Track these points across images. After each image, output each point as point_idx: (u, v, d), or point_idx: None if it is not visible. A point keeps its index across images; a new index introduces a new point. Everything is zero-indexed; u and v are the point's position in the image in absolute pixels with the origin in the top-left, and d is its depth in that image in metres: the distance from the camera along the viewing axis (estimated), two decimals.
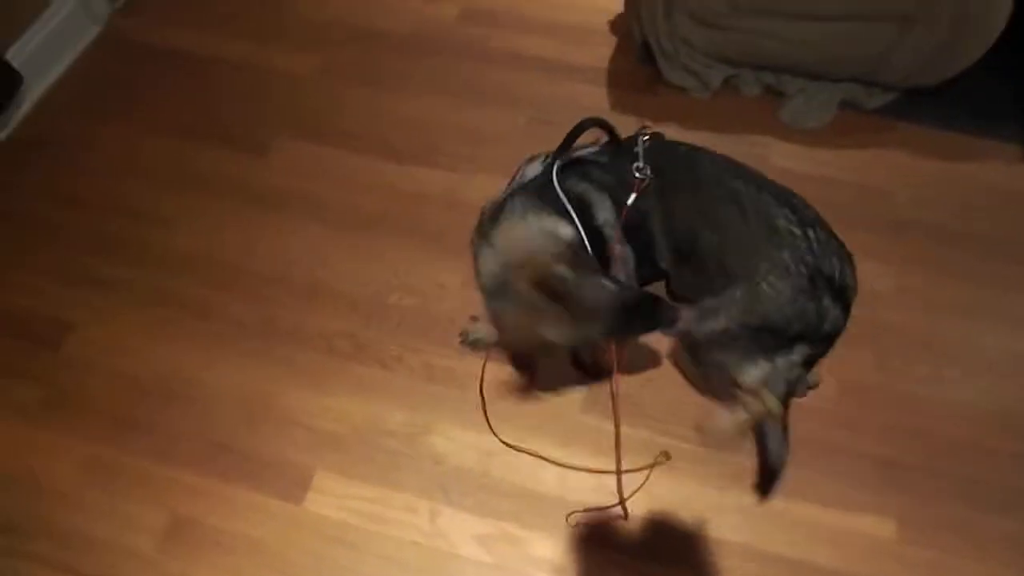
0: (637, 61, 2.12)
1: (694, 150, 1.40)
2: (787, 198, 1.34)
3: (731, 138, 1.96)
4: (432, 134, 2.03)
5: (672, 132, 1.95)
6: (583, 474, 1.51)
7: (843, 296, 1.30)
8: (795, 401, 1.52)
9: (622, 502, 1.46)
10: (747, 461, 1.51)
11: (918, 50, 1.84)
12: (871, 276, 1.73)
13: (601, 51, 2.18)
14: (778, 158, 1.94)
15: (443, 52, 2.20)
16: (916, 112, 2.00)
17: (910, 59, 1.86)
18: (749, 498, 1.48)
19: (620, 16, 2.22)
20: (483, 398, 1.60)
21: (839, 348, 1.60)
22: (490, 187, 1.86)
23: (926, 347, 1.65)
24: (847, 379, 1.61)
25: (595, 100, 2.07)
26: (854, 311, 1.33)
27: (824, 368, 1.58)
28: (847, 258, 1.33)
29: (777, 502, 1.47)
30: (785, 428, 1.43)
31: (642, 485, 1.48)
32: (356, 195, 1.93)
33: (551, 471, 1.52)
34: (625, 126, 1.44)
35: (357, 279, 1.79)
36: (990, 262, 1.78)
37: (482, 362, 1.63)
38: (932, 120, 1.99)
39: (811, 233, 1.28)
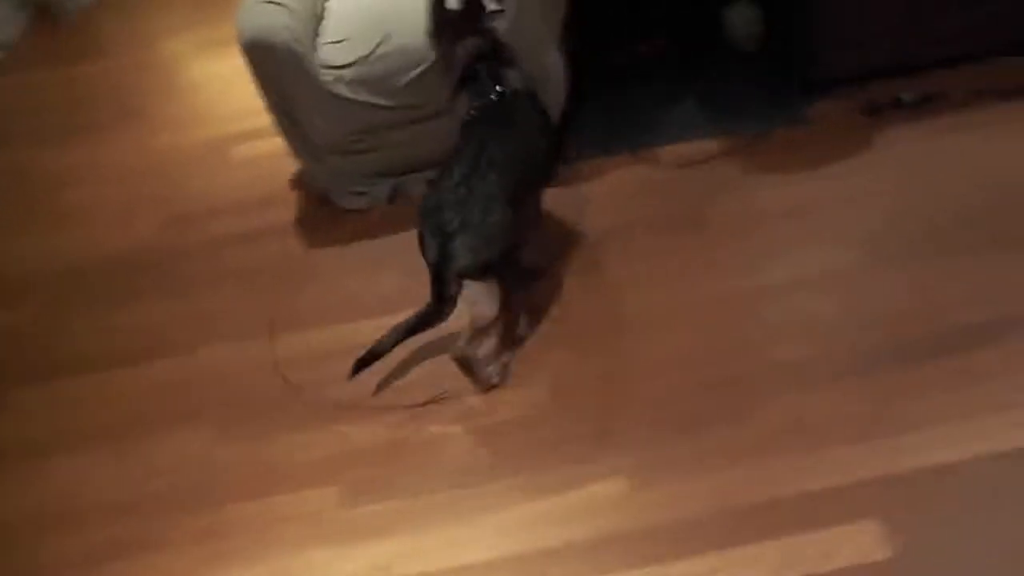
0: (321, 203, 2.40)
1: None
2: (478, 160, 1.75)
3: (408, 236, 2.25)
4: (159, 330, 2.18)
5: (358, 249, 2.25)
6: None
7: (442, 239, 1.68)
8: (513, 411, 1.75)
9: None
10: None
11: None
12: (561, 292, 2.03)
13: (291, 207, 2.46)
14: None
15: (151, 260, 2.40)
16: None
17: None
18: (500, 515, 1.63)
19: (297, 174, 2.53)
20: None
21: (545, 356, 1.86)
22: (225, 354, 2.06)
23: (613, 328, 1.92)
24: (556, 382, 1.83)
25: (295, 246, 2.32)
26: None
27: (536, 377, 1.82)
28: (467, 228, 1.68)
29: (520, 507, 1.62)
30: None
31: None
32: (96, 408, 2.01)
33: None
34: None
35: (112, 484, 1.84)
36: (653, 238, 2.11)
37: None
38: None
39: (461, 190, 1.70)
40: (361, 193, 2.33)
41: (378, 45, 2.09)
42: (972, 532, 1.44)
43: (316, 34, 2.20)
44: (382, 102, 2.13)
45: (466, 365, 1.78)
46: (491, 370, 1.82)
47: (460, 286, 1.72)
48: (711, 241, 2.09)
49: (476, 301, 1.74)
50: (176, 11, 3.77)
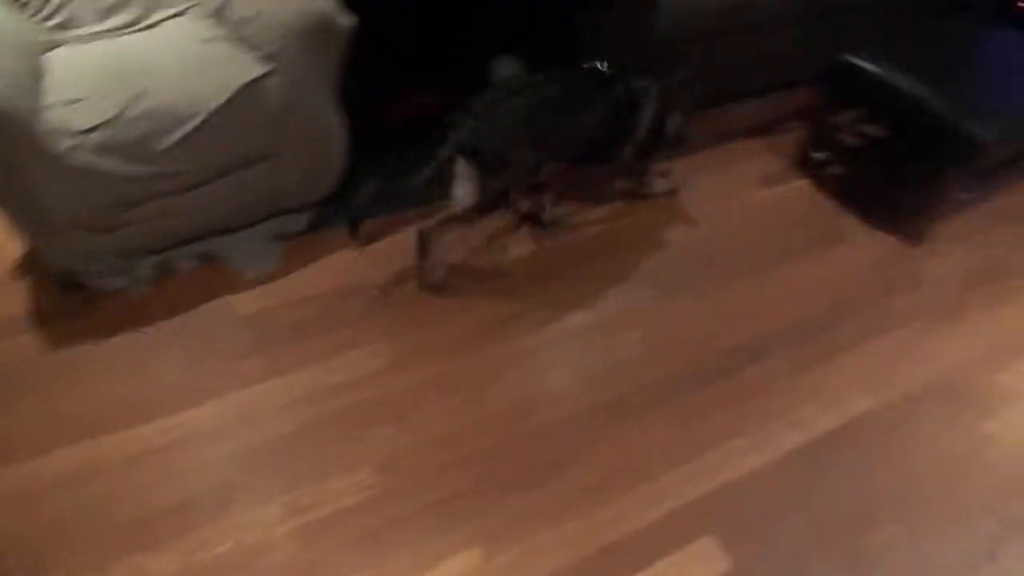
0: (63, 290, 2.01)
1: None
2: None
3: (191, 314, 1.98)
4: None
5: (124, 341, 1.93)
6: None
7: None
8: (343, 499, 1.59)
9: None
10: None
11: (296, 174, 2.11)
12: (367, 362, 1.91)
13: (20, 297, 2.02)
14: (243, 307, 2.01)
15: None
16: (334, 217, 2.26)
17: (295, 183, 2.13)
18: None
19: (25, 256, 2.10)
20: None
21: (366, 433, 1.74)
22: None
23: (429, 394, 1.85)
24: (382, 459, 1.71)
25: (27, 349, 1.89)
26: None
27: (362, 457, 1.69)
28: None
29: None
30: None
31: None
32: None
33: None
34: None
35: None
36: (457, 294, 2.10)
37: None
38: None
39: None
40: (119, 273, 1.99)
41: (129, 104, 1.81)
42: (788, 522, 1.63)
43: (38, 94, 1.84)
44: (138, 170, 1.85)
45: (424, 244, 2.03)
46: (439, 273, 2.10)
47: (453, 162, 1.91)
48: (520, 289, 2.13)
49: (460, 185, 1.93)
50: None
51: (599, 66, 2.13)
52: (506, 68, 2.68)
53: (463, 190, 1.93)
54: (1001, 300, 2.20)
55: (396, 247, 2.21)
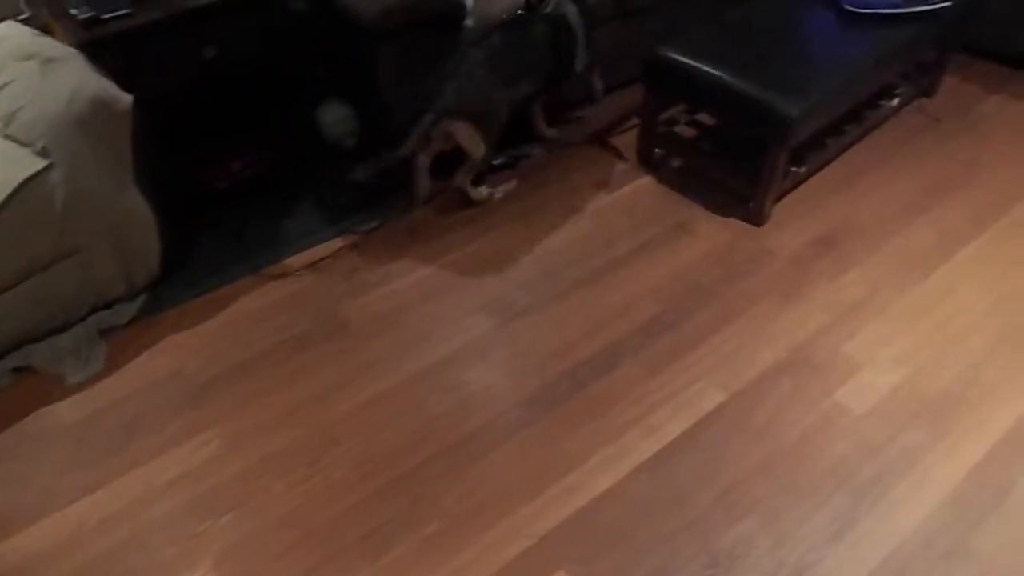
0: None
1: None
2: None
3: (9, 433, 1.84)
4: None
5: None
6: None
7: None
8: None
9: None
10: None
11: (109, 265, 2.01)
12: (210, 445, 1.82)
13: None
14: (67, 416, 1.89)
15: None
16: (165, 300, 2.18)
17: (112, 274, 2.02)
18: None
19: None
20: None
21: (212, 527, 1.63)
22: None
23: (277, 469, 1.77)
24: (220, 553, 1.61)
25: None
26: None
27: (196, 556, 1.59)
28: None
29: None
30: None
31: None
32: None
33: None
34: None
35: None
36: (300, 355, 2.02)
37: None
38: (182, 298, 2.19)
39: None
40: None
41: None
42: (643, 538, 1.59)
43: None
44: None
45: (463, 192, 2.44)
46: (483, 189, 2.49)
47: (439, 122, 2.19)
48: (357, 343, 2.06)
49: (465, 141, 2.26)
50: None
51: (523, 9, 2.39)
52: (331, 112, 2.63)
53: (472, 144, 2.26)
54: (842, 269, 2.24)
55: (243, 316, 2.13)
